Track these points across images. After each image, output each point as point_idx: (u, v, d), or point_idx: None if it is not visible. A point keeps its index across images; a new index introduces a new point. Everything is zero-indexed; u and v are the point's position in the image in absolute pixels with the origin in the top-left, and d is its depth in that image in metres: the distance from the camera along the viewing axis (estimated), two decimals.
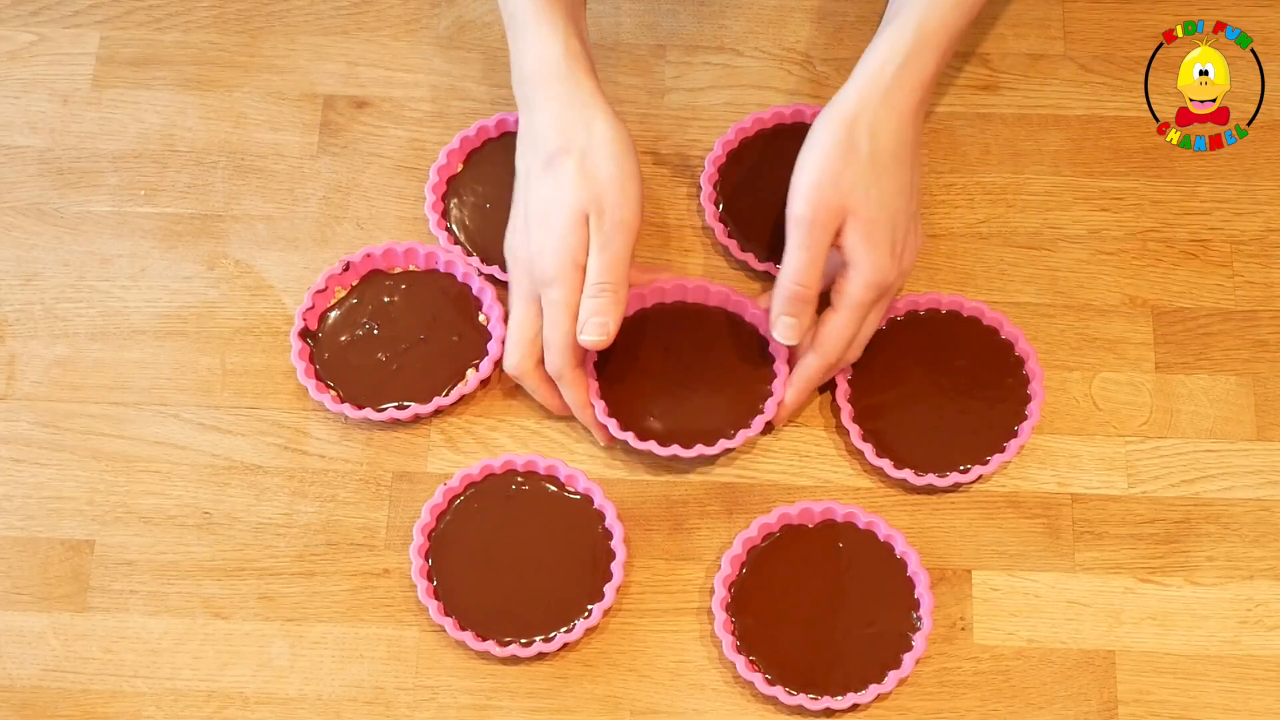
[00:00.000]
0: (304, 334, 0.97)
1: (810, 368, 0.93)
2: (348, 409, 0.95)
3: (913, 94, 0.89)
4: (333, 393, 0.96)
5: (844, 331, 0.91)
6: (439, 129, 1.04)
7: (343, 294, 0.98)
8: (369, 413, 0.95)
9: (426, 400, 0.95)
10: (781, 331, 0.90)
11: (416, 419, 0.96)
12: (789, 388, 0.94)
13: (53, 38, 1.07)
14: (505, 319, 0.96)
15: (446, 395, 0.95)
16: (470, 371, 0.96)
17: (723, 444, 0.93)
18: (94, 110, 1.05)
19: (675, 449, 0.93)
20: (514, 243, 0.94)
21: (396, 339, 0.97)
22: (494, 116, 1.02)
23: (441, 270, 0.99)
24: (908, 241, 0.92)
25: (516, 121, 1.02)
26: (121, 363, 0.98)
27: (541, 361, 0.93)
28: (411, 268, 0.99)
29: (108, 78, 1.06)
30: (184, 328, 0.99)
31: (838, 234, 0.89)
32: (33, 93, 1.06)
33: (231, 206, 1.02)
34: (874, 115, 0.88)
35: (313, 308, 0.97)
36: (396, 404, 0.95)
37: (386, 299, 0.98)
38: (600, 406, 0.94)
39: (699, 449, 0.93)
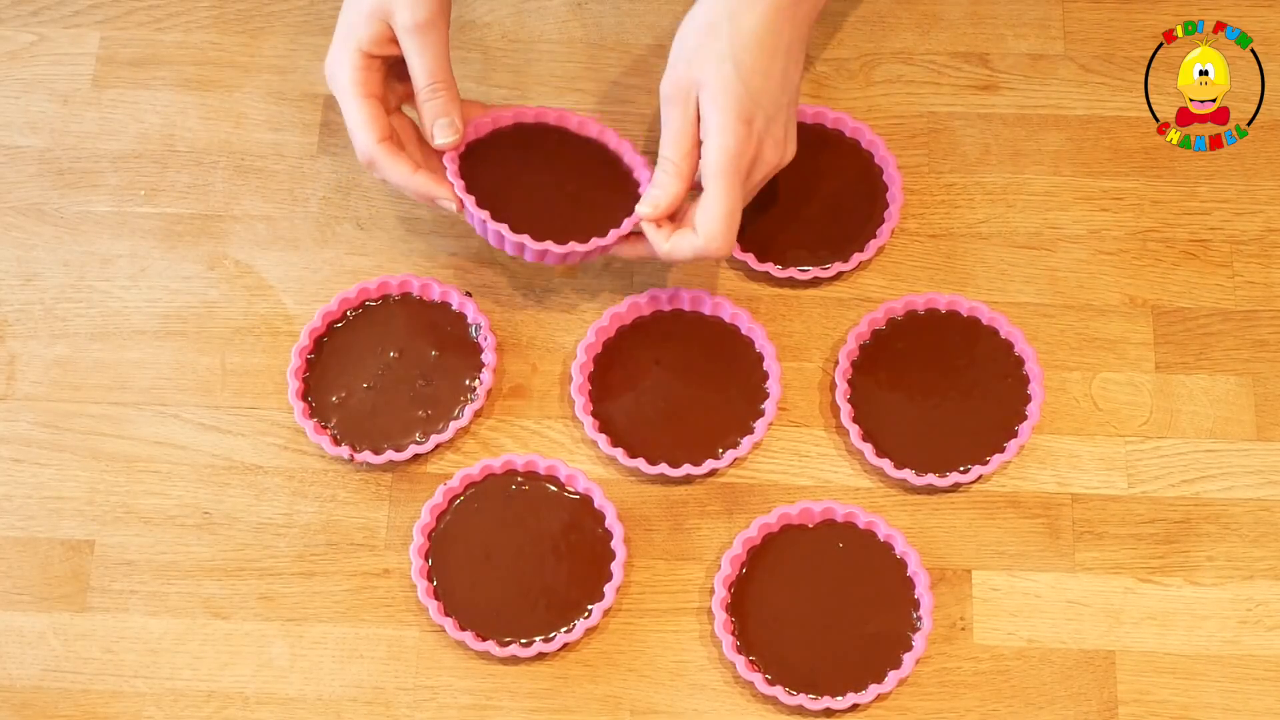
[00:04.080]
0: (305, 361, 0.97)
1: (691, 248, 0.90)
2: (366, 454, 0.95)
3: None
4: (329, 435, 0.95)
5: (715, 206, 0.89)
6: None
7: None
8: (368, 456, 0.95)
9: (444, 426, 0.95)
10: (646, 202, 0.90)
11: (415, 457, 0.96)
12: (660, 247, 0.91)
13: (53, 38, 1.07)
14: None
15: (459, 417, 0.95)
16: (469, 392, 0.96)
17: (710, 464, 0.94)
18: (94, 110, 1.05)
19: (663, 467, 0.93)
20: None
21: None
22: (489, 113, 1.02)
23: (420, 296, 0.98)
24: (786, 129, 0.91)
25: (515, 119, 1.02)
26: (121, 363, 0.98)
27: (386, 137, 0.91)
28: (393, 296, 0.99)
29: (108, 78, 1.06)
30: (184, 328, 0.99)
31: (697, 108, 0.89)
32: (33, 93, 1.06)
33: (231, 206, 1.02)
34: (736, 5, 0.89)
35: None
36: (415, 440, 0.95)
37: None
38: (590, 422, 0.94)
39: (686, 468, 0.93)
